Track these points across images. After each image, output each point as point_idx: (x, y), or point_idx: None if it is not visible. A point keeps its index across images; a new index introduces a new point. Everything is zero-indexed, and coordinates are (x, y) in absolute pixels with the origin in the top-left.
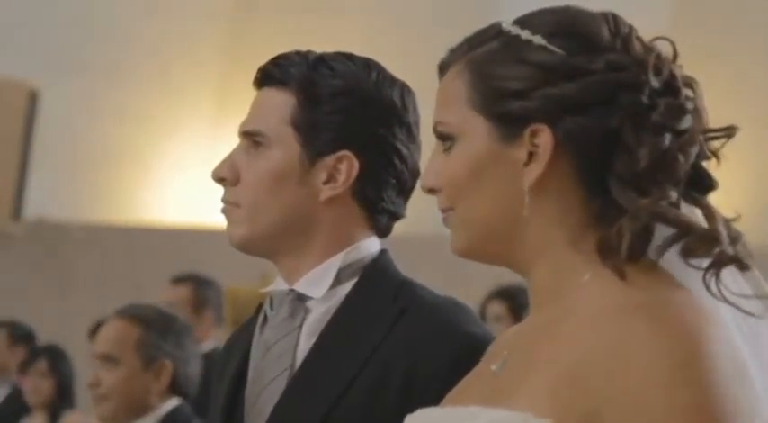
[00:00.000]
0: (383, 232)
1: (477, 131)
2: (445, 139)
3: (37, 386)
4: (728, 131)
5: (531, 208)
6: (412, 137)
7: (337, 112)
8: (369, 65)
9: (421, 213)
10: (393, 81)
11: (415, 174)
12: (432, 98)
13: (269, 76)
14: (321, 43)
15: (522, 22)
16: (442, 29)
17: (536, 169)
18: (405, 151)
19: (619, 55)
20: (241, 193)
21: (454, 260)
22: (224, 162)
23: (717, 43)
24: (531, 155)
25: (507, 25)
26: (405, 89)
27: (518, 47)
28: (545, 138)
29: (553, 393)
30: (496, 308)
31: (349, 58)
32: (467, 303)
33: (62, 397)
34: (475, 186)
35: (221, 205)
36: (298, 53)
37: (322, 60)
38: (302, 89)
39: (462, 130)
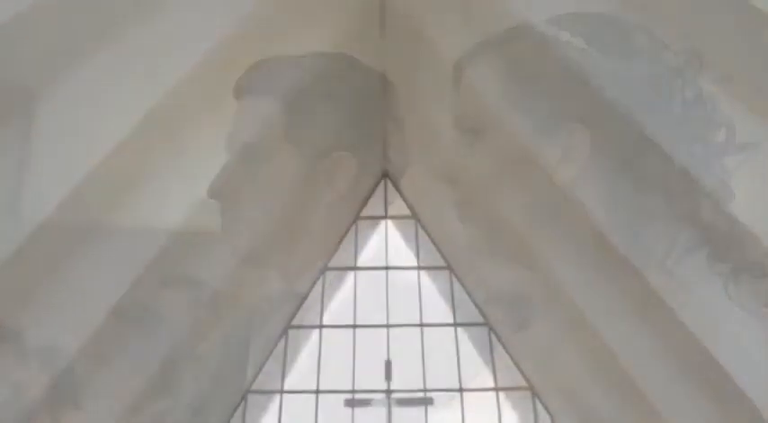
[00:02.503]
0: None
1: (511, 125)
2: (472, 131)
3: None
4: (749, 148)
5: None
6: None
7: (328, 112)
8: (344, 58)
9: None
10: (368, 70)
11: None
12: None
13: (250, 86)
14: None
15: (558, 23)
16: None
17: (573, 166)
18: None
19: (656, 64)
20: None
21: None
22: (219, 178)
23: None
24: (565, 152)
25: (544, 25)
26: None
27: (558, 48)
28: (583, 137)
29: None
30: None
31: (320, 55)
32: None
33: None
34: (503, 179)
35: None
36: (273, 59)
37: (299, 64)
38: (288, 94)
39: (494, 124)
